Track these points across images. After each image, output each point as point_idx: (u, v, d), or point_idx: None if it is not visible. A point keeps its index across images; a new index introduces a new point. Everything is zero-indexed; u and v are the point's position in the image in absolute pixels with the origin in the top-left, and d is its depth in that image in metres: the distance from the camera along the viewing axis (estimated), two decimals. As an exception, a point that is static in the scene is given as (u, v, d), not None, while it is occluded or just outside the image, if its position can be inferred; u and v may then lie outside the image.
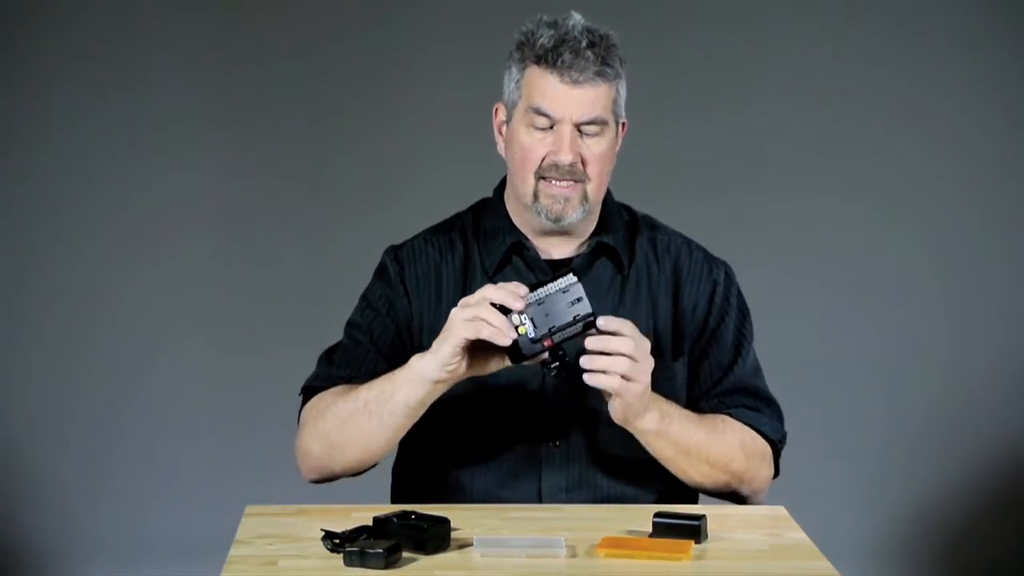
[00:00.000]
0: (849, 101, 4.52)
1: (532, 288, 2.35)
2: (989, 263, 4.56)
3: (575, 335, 2.34)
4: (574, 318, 2.33)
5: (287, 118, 4.51)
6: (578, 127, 2.46)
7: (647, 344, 2.36)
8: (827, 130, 4.53)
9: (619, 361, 2.33)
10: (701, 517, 2.28)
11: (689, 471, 2.50)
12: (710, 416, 2.53)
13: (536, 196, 2.50)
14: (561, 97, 2.45)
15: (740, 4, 4.53)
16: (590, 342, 2.33)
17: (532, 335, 2.33)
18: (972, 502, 4.56)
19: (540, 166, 2.48)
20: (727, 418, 2.55)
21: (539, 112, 2.46)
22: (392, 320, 2.57)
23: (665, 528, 2.27)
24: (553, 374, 2.36)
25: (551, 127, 2.47)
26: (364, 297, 2.62)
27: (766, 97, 4.53)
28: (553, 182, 2.48)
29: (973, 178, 4.56)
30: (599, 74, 2.45)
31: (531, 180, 2.50)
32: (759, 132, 4.52)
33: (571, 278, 2.34)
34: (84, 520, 4.49)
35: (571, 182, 2.48)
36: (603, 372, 2.34)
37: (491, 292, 2.33)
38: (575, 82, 2.44)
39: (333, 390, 2.52)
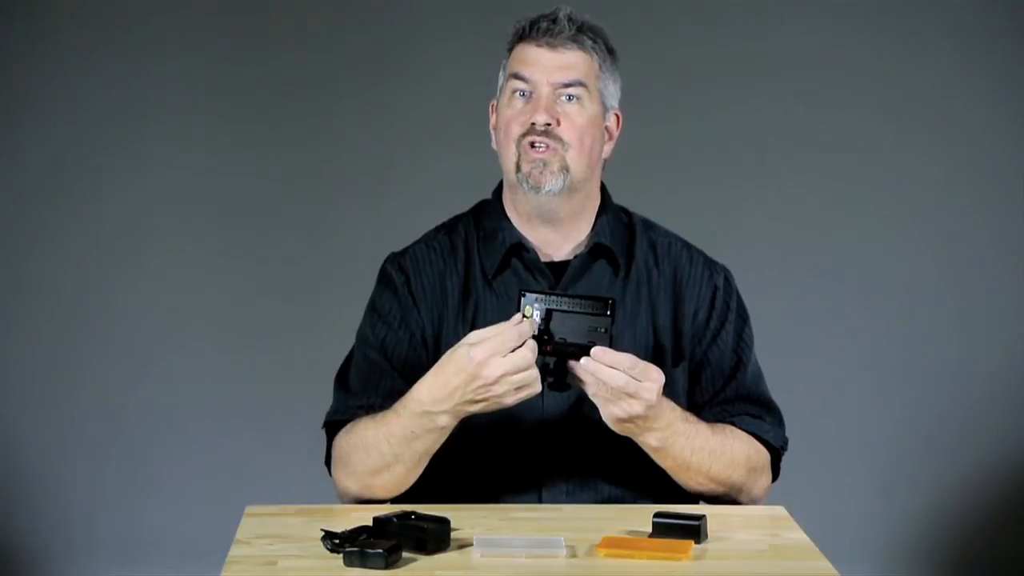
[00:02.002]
0: (852, 100, 4.52)
1: (574, 296, 2.36)
2: (996, 264, 4.55)
3: (572, 355, 2.35)
4: (587, 343, 2.34)
5: (287, 117, 4.51)
6: (556, 93, 2.50)
7: (651, 384, 2.36)
8: (830, 130, 4.52)
9: (604, 389, 2.35)
10: (701, 517, 2.28)
11: (688, 482, 2.51)
12: (719, 428, 2.53)
13: (519, 166, 2.51)
14: (538, 60, 2.51)
15: (740, 3, 4.53)
16: (585, 360, 2.34)
17: (535, 332, 2.34)
18: (981, 505, 4.56)
19: (520, 133, 2.50)
20: (733, 429, 2.55)
21: (518, 77, 2.52)
22: (406, 332, 2.56)
23: (665, 528, 2.27)
24: (547, 382, 2.38)
25: (531, 95, 2.50)
26: (373, 309, 2.60)
27: (766, 96, 4.52)
28: (531, 148, 2.50)
29: (979, 178, 4.55)
30: (574, 40, 2.51)
31: (513, 150, 2.52)
32: (760, 132, 4.52)
33: (607, 319, 2.34)
34: (84, 520, 4.49)
35: (548, 146, 2.49)
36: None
37: (528, 352, 2.34)
38: (551, 46, 2.51)
39: (356, 427, 2.50)
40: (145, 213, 4.50)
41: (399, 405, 2.43)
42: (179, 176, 4.50)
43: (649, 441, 2.43)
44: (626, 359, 2.34)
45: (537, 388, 2.35)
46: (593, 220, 2.59)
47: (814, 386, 4.44)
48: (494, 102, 2.59)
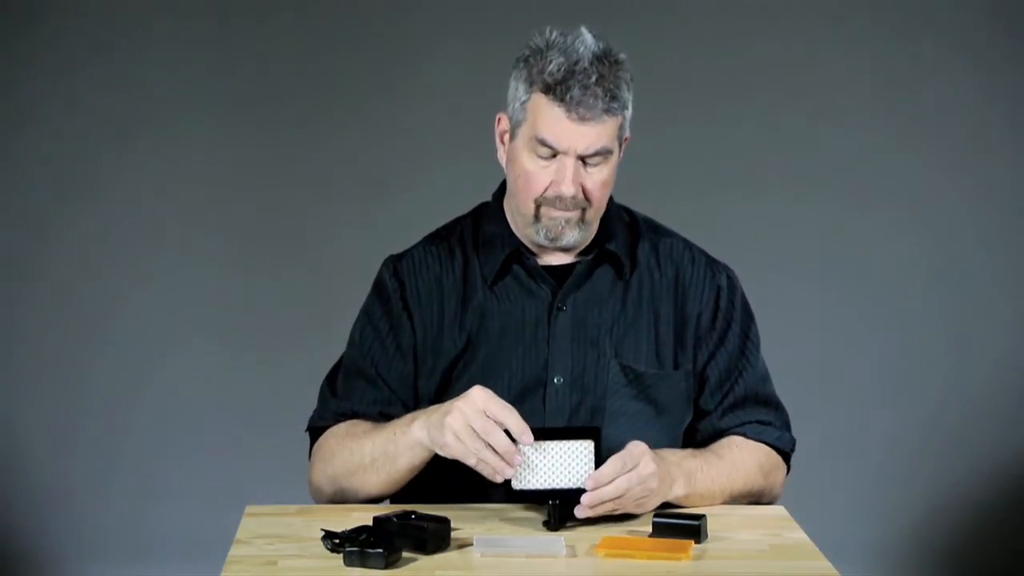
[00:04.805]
0: (849, 103, 4.52)
1: (543, 436, 2.32)
2: (991, 266, 4.56)
3: (565, 494, 2.33)
4: (575, 488, 2.31)
5: (288, 122, 4.51)
6: (581, 158, 2.45)
7: (643, 461, 2.34)
8: (828, 133, 4.52)
9: (615, 504, 2.33)
10: (701, 517, 2.29)
11: (716, 505, 2.52)
12: (725, 446, 2.54)
13: (537, 217, 2.49)
14: (567, 131, 2.42)
15: (740, 5, 4.53)
16: (581, 511, 2.32)
17: (519, 485, 2.32)
18: (975, 505, 4.56)
19: (542, 194, 2.47)
20: (741, 441, 2.56)
21: (544, 144, 2.44)
22: (392, 342, 2.56)
23: (665, 528, 2.27)
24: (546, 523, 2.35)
25: (554, 155, 2.45)
26: (366, 314, 2.60)
27: (765, 99, 4.52)
28: (555, 207, 2.47)
29: (975, 183, 4.55)
30: (607, 111, 2.42)
31: (532, 205, 2.49)
32: (758, 135, 4.52)
33: (589, 443, 2.32)
34: (84, 520, 4.49)
35: (570, 208, 2.47)
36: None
37: (511, 421, 2.29)
38: (583, 119, 2.42)
39: (338, 431, 2.52)
40: (148, 218, 4.51)
41: (390, 431, 2.44)
42: (181, 180, 4.51)
43: (677, 492, 2.43)
44: (614, 466, 2.32)
45: (500, 467, 2.28)
46: (596, 225, 2.58)
47: (814, 387, 4.44)
48: (501, 115, 2.53)
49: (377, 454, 2.44)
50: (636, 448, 2.35)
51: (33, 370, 4.51)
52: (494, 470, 2.29)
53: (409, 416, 2.43)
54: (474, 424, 2.29)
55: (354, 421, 2.53)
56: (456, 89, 4.43)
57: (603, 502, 2.31)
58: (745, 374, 2.59)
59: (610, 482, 2.31)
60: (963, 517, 4.56)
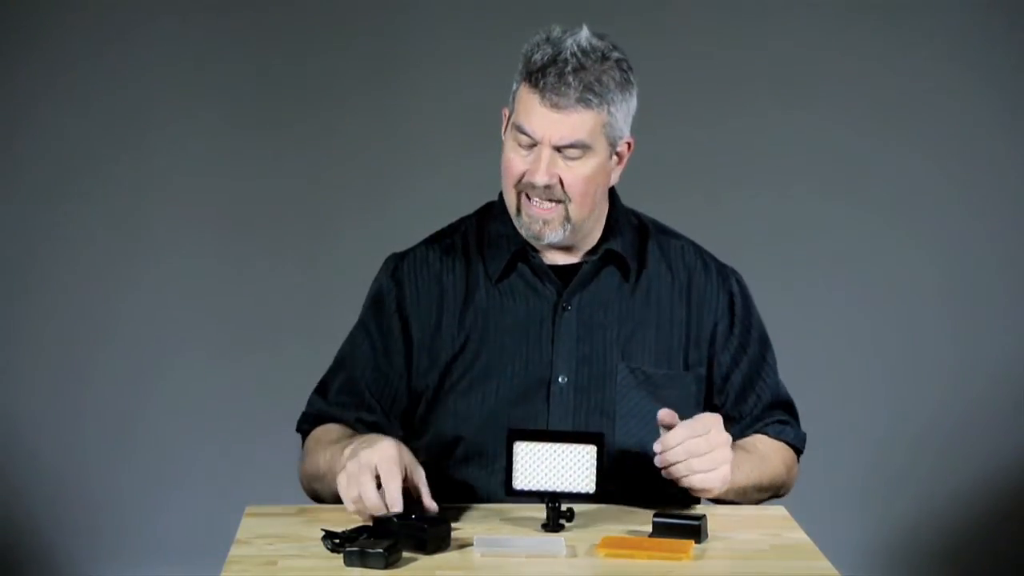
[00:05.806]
0: (851, 104, 4.52)
1: (548, 438, 2.32)
2: (992, 267, 4.56)
3: (564, 498, 2.32)
4: (573, 492, 2.31)
5: (289, 119, 4.51)
6: (558, 149, 2.44)
7: (715, 436, 2.34)
8: (830, 133, 4.52)
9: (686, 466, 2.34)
10: (701, 517, 2.29)
11: (747, 503, 2.53)
12: (751, 444, 2.56)
13: (519, 211, 2.50)
14: (541, 119, 2.43)
15: (740, 5, 4.53)
16: (659, 459, 2.33)
17: (519, 485, 2.31)
18: (973, 506, 4.56)
19: (519, 181, 2.47)
20: (764, 439, 2.58)
21: (520, 131, 2.45)
22: (383, 343, 2.57)
23: (665, 528, 2.28)
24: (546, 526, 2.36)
25: (533, 146, 2.45)
26: (363, 311, 2.62)
27: (766, 100, 4.52)
28: (533, 201, 2.48)
29: (976, 182, 4.55)
30: (581, 100, 2.42)
31: (513, 194, 2.50)
32: (759, 135, 4.52)
33: (591, 448, 2.31)
34: (85, 521, 4.49)
35: (550, 203, 2.47)
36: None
37: (390, 487, 2.24)
38: (555, 106, 2.42)
39: (316, 434, 2.55)
40: (148, 216, 4.50)
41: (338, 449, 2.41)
42: (181, 179, 4.50)
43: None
44: (684, 431, 2.33)
45: (364, 517, 2.27)
46: (602, 225, 2.58)
47: (814, 387, 4.42)
48: (506, 109, 2.54)
49: (325, 469, 2.45)
50: (709, 418, 2.35)
51: (36, 372, 4.51)
52: (361, 519, 2.28)
53: (357, 439, 2.39)
54: (360, 477, 2.25)
55: (328, 427, 2.55)
56: (459, 88, 4.42)
57: (673, 447, 2.31)
58: (768, 380, 2.62)
59: (678, 444, 2.31)
60: (963, 518, 4.56)
